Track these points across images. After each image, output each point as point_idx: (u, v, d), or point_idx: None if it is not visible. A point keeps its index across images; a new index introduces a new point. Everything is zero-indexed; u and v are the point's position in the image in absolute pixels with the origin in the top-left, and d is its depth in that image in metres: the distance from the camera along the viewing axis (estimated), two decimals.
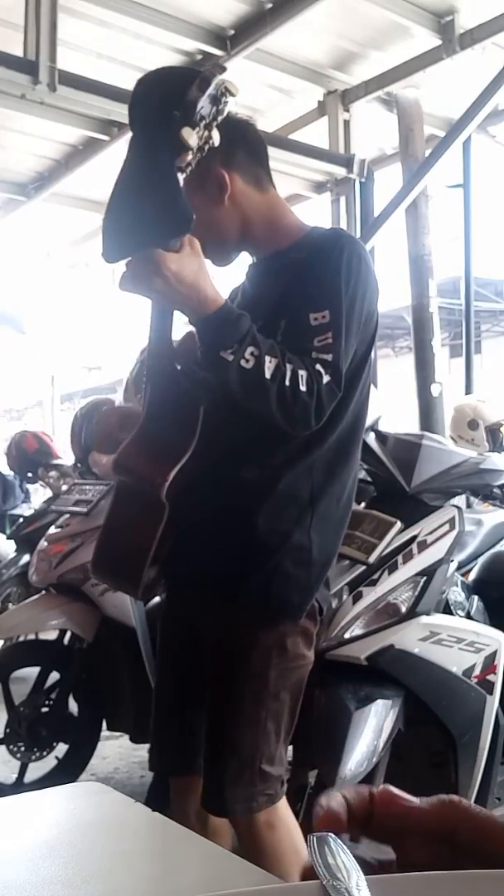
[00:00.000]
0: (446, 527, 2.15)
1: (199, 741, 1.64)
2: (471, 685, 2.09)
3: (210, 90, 1.27)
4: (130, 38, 4.83)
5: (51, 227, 7.27)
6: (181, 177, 1.28)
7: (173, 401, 1.49)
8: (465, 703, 2.09)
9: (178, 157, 1.26)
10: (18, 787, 2.98)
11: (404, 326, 12.51)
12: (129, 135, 1.40)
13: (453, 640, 2.10)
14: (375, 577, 2.09)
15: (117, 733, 3.32)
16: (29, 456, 5.46)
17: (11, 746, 2.98)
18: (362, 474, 2.42)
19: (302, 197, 6.07)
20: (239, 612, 1.57)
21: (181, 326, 1.47)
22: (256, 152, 1.64)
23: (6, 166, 6.19)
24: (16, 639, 3.47)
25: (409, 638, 2.05)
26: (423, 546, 2.11)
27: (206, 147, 1.32)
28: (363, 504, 2.40)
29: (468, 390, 5.66)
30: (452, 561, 2.19)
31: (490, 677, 2.12)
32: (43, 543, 3.29)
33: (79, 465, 3.89)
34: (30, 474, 5.55)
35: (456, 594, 2.32)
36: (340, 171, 5.69)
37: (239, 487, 1.57)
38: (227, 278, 1.73)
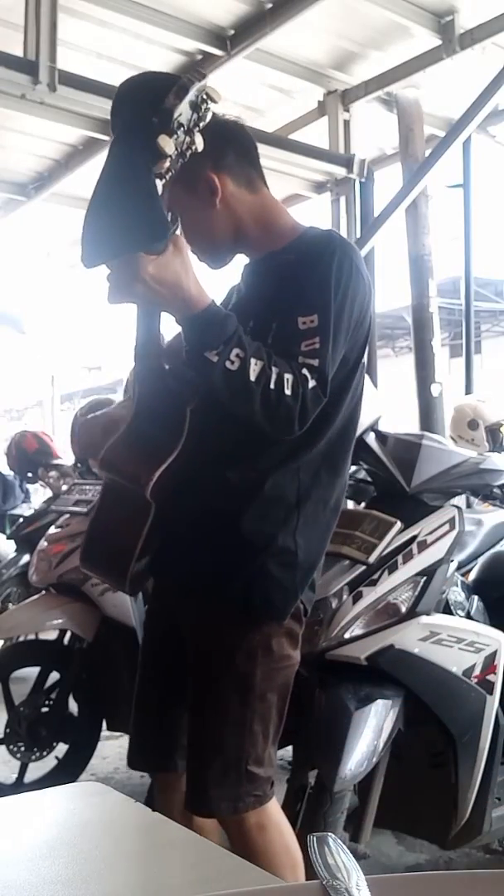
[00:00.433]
0: (446, 527, 2.15)
1: (178, 739, 1.64)
2: (471, 685, 2.09)
3: (189, 97, 1.27)
4: (130, 38, 4.83)
5: (51, 227, 7.26)
6: (160, 183, 1.29)
7: (161, 401, 1.50)
8: (465, 703, 2.09)
9: (156, 164, 1.27)
10: (18, 787, 2.99)
11: (404, 326, 12.53)
12: None
13: (453, 640, 2.10)
14: (375, 577, 2.08)
15: (117, 733, 3.33)
16: (29, 456, 5.46)
17: (11, 746, 2.98)
18: (362, 474, 2.43)
19: (302, 197, 6.06)
20: (223, 613, 1.57)
21: (172, 326, 1.47)
22: (247, 153, 1.64)
23: (6, 166, 6.18)
24: (16, 639, 3.47)
25: (409, 638, 2.05)
26: (423, 546, 2.11)
27: (189, 153, 1.32)
28: (363, 504, 2.40)
29: (468, 390, 5.65)
30: (452, 561, 2.19)
31: (490, 677, 2.12)
32: (43, 543, 3.29)
33: (79, 465, 3.89)
34: (30, 474, 5.55)
35: (456, 594, 2.32)
36: (340, 171, 5.68)
37: (225, 489, 1.57)
38: (223, 278, 1.73)
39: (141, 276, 1.33)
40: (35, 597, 3.29)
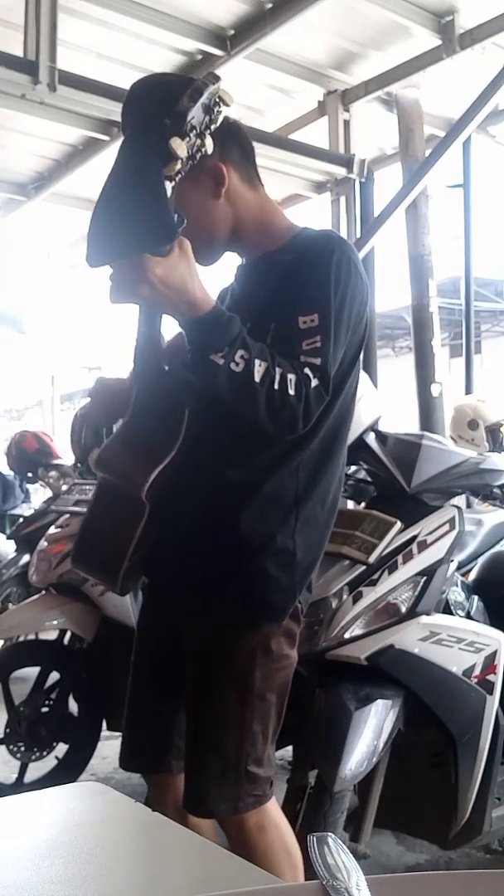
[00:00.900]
0: (446, 527, 2.15)
1: (173, 739, 1.64)
2: (471, 685, 2.09)
3: (203, 99, 1.27)
4: (130, 38, 4.83)
5: (51, 227, 7.26)
6: (169, 186, 1.28)
7: (159, 401, 1.49)
8: (465, 703, 2.09)
9: (167, 167, 1.26)
10: (18, 787, 2.99)
11: (404, 326, 12.53)
12: None
13: (453, 640, 2.10)
14: (375, 577, 2.08)
15: (117, 733, 3.32)
16: (29, 456, 5.46)
17: (11, 746, 2.98)
18: (362, 474, 2.43)
19: (302, 197, 6.06)
20: (222, 614, 1.56)
21: (172, 326, 1.47)
22: (247, 151, 1.64)
23: (6, 166, 6.18)
24: (16, 639, 3.47)
25: (409, 638, 2.05)
26: (423, 546, 2.11)
27: (199, 155, 1.32)
28: (363, 504, 2.40)
29: (468, 390, 5.66)
30: (452, 561, 2.19)
31: (490, 677, 2.12)
32: (43, 543, 3.30)
33: (79, 465, 3.89)
34: (30, 474, 5.55)
35: (456, 594, 2.32)
36: (340, 171, 5.68)
37: (223, 489, 1.56)
38: (214, 280, 1.73)
39: (148, 278, 1.33)
40: (35, 597, 3.29)
